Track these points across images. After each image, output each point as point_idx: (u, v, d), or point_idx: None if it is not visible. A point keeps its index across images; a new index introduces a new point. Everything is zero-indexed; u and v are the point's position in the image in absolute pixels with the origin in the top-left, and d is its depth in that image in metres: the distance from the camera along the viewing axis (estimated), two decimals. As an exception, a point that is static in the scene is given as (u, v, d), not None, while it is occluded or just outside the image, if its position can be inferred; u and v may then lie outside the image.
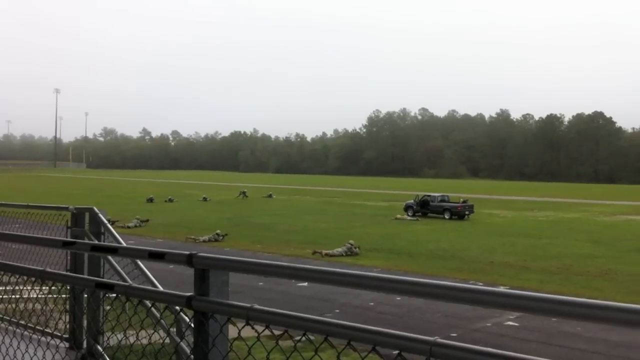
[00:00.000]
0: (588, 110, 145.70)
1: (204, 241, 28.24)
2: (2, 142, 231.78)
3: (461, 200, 45.09)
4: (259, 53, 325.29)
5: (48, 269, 3.65)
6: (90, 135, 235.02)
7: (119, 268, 6.63)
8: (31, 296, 5.13)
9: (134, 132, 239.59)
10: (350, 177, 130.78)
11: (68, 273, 6.05)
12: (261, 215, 41.89)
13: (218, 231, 29.77)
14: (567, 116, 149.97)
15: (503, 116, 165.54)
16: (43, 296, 5.17)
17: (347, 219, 39.69)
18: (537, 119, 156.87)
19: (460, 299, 1.98)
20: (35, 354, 3.94)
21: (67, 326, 6.79)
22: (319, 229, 34.14)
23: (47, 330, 5.95)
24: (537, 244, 28.77)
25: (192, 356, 2.71)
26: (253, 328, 2.38)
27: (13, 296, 6.26)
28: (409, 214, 42.52)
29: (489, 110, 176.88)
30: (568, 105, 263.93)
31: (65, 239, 5.94)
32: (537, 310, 1.87)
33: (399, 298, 15.16)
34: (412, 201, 44.44)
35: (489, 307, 2.01)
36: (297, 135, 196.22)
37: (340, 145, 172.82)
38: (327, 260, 23.11)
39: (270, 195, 62.07)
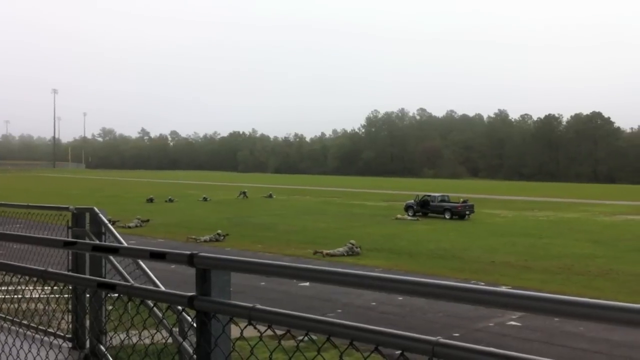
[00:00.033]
0: (586, 111, 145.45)
1: (204, 241, 28.24)
2: (0, 142, 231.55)
3: (461, 200, 45.03)
4: (258, 53, 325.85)
5: (50, 269, 3.65)
6: (88, 136, 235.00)
7: (120, 268, 6.64)
8: (33, 296, 5.15)
9: (132, 133, 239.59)
10: (349, 177, 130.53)
11: (70, 273, 6.06)
12: (261, 215, 41.88)
13: (219, 231, 29.75)
14: (566, 116, 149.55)
15: (501, 116, 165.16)
16: (45, 296, 5.19)
17: (347, 219, 39.68)
18: (535, 119, 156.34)
19: (462, 298, 1.98)
20: (38, 354, 3.95)
21: (70, 326, 6.80)
22: (318, 229, 34.14)
23: (50, 330, 5.96)
24: (537, 243, 28.76)
25: (194, 356, 2.71)
26: (255, 328, 2.38)
27: (15, 296, 6.28)
28: (410, 214, 42.51)
29: (487, 111, 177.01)
30: (566, 105, 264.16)
31: (66, 239, 5.94)
32: (539, 310, 1.87)
33: (401, 298, 15.19)
34: (413, 201, 44.42)
35: (491, 307, 2.01)
36: (296, 135, 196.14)
37: (339, 146, 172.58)
38: (328, 260, 23.11)
39: (270, 195, 61.94)
